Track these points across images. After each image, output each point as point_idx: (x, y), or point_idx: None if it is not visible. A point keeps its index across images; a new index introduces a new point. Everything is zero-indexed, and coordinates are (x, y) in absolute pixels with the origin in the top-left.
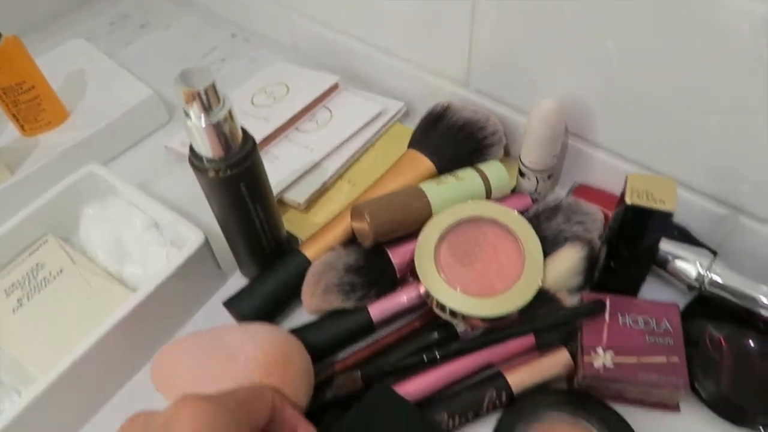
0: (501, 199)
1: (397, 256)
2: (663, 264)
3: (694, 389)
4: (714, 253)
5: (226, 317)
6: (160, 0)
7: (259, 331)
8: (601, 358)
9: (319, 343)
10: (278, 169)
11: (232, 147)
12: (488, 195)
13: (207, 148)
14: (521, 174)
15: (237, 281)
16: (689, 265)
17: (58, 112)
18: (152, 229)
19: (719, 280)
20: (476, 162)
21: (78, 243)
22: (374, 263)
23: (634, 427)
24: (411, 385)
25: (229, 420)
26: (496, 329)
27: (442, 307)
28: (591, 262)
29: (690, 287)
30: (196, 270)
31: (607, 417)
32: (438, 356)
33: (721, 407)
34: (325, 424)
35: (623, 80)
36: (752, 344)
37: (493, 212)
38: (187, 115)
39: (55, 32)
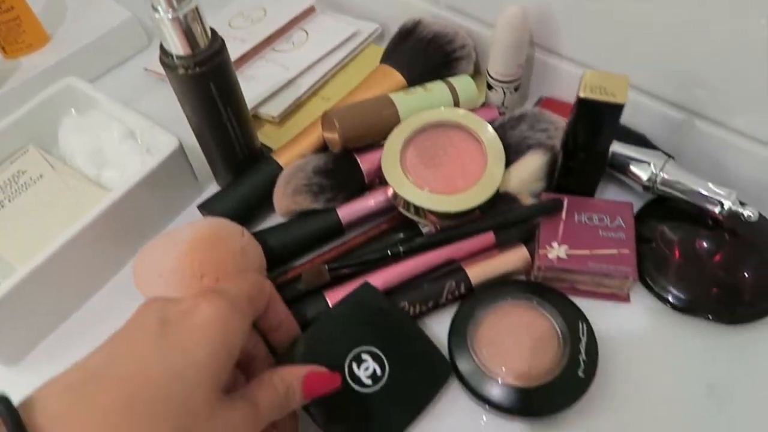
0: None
1: (365, 162)
2: (620, 168)
3: (646, 285)
4: (670, 156)
5: None
6: None
7: (203, 220)
8: (556, 251)
9: (288, 243)
10: (254, 87)
11: (200, 44)
12: (456, 107)
13: (176, 45)
14: (489, 87)
15: (213, 191)
16: (644, 166)
17: (39, 35)
18: (129, 139)
19: (670, 178)
20: (446, 76)
21: (58, 153)
22: (343, 166)
23: (587, 316)
24: (375, 278)
25: (242, 317)
26: (459, 227)
27: (407, 205)
28: (553, 168)
29: (644, 187)
30: (171, 176)
31: (560, 303)
32: (402, 251)
33: (670, 299)
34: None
35: None
36: (703, 244)
37: (458, 117)
38: (155, 8)
39: None
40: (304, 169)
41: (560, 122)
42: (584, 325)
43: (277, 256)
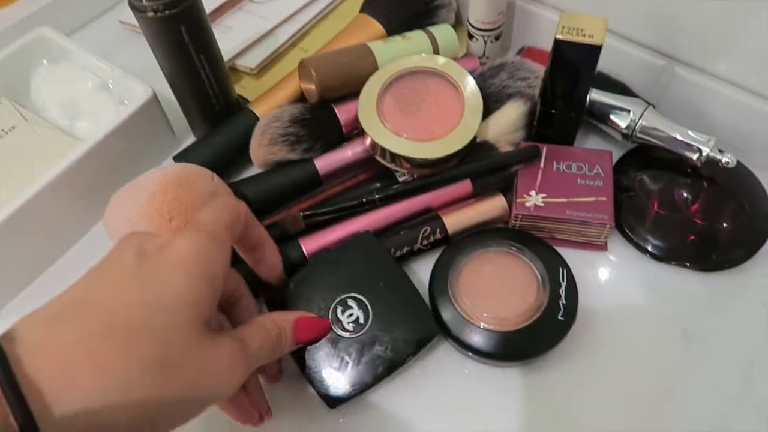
0: None
1: (343, 112)
2: (600, 117)
3: (625, 234)
4: (650, 104)
5: None
6: None
7: (172, 166)
8: (533, 199)
9: (265, 194)
10: (232, 38)
11: None
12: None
13: None
14: (470, 37)
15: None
16: (623, 114)
17: None
18: (103, 90)
19: (649, 126)
20: (426, 26)
21: (30, 105)
22: (320, 116)
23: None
24: (351, 226)
25: (220, 247)
26: (435, 175)
27: (384, 153)
28: (533, 117)
29: (623, 135)
30: (146, 127)
31: (540, 250)
32: (377, 198)
33: (649, 249)
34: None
35: None
36: (681, 192)
37: (438, 65)
38: None
39: None
40: (280, 119)
41: (541, 71)
42: (564, 271)
43: (254, 207)
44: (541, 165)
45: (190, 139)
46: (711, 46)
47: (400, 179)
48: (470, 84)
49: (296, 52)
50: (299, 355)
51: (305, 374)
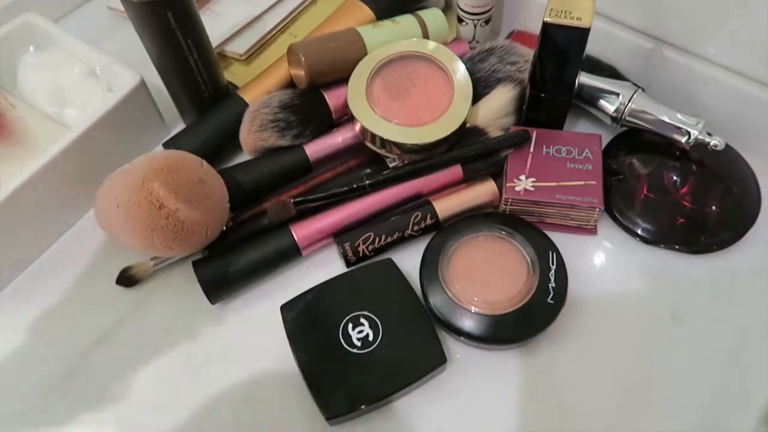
0: None
1: (332, 98)
2: (589, 101)
3: (614, 218)
4: (639, 87)
5: None
6: None
7: (161, 152)
8: (523, 184)
9: (255, 181)
10: (220, 24)
11: None
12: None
13: None
14: (460, 21)
15: None
16: (612, 97)
17: None
18: (91, 77)
19: (638, 109)
20: (416, 10)
21: (17, 92)
22: (309, 101)
23: (558, 249)
24: (342, 212)
25: None
26: (425, 160)
27: (374, 138)
28: (523, 102)
29: (612, 119)
30: (135, 114)
31: (530, 234)
32: (367, 184)
33: (639, 232)
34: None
35: None
36: (671, 176)
37: (428, 50)
38: None
39: None
40: (270, 104)
41: (530, 55)
42: (554, 255)
43: (244, 193)
44: (531, 149)
45: (180, 126)
46: (700, 29)
47: (391, 165)
48: (460, 69)
49: (285, 37)
50: (303, 366)
51: (308, 385)
